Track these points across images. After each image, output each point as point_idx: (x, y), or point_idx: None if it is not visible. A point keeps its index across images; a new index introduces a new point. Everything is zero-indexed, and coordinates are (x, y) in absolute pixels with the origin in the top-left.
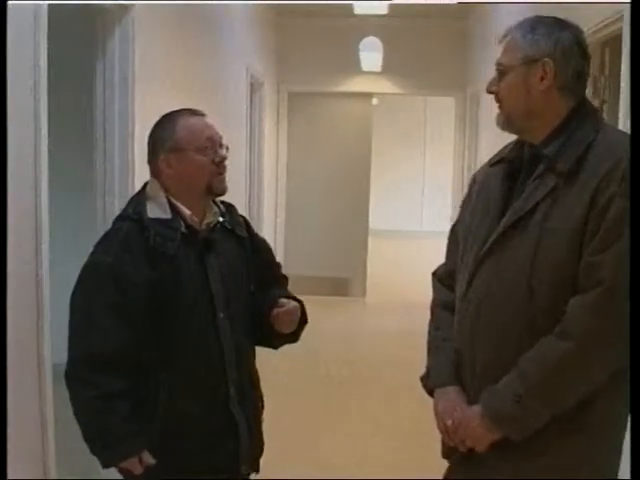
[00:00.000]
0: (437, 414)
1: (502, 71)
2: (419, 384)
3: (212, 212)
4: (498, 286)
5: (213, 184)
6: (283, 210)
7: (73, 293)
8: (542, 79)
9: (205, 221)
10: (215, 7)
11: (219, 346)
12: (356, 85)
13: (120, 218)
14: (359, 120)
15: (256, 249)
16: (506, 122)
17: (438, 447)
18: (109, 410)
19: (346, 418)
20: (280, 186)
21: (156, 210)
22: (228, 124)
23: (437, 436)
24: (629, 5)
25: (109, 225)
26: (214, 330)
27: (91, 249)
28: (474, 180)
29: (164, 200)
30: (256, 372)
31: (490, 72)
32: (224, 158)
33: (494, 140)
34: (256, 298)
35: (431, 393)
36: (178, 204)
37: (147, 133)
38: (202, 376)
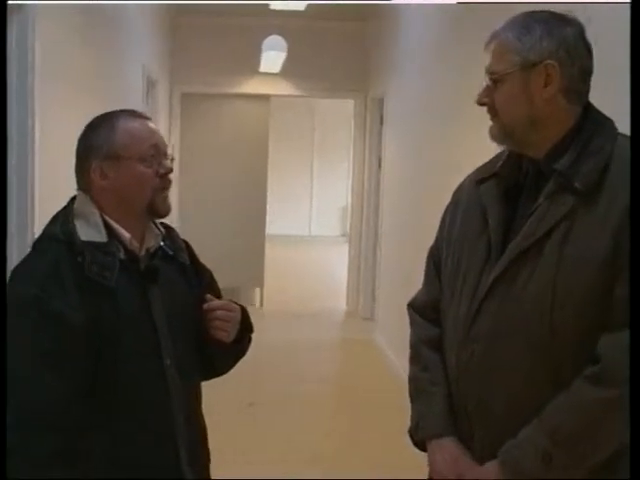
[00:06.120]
0: (435, 471)
1: (496, 79)
2: (334, 403)
3: (153, 235)
4: (512, 324)
5: (155, 202)
6: (176, 218)
7: None
8: (546, 85)
9: (145, 245)
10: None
11: (167, 399)
12: (253, 87)
13: (44, 239)
14: (256, 123)
15: (199, 278)
16: (503, 136)
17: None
18: (40, 477)
19: (259, 443)
20: (172, 190)
21: (89, 231)
22: None
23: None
24: (629, 5)
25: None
26: (161, 379)
27: None
28: (457, 198)
29: (98, 219)
30: (203, 421)
31: (391, 74)
32: (169, 170)
33: (398, 142)
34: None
35: (420, 445)
36: (115, 225)
37: (47, 140)
38: (146, 436)
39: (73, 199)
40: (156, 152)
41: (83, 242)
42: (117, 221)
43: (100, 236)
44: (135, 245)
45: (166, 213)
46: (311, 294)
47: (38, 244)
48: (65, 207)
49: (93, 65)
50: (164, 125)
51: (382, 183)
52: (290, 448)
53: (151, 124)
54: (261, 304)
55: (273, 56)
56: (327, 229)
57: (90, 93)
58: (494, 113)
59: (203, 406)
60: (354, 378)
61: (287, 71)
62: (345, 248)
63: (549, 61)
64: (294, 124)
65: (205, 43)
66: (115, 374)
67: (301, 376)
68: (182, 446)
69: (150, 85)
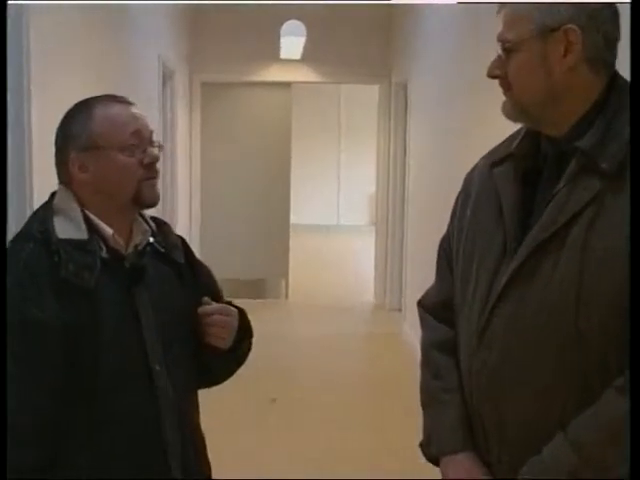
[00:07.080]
0: None
1: (509, 49)
2: (359, 400)
3: (141, 230)
4: (530, 329)
5: (142, 192)
6: (198, 208)
7: None
8: (566, 53)
9: (132, 242)
10: None
11: (155, 409)
12: (274, 74)
13: (20, 238)
14: (278, 110)
15: (196, 278)
16: (518, 112)
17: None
18: None
19: (282, 440)
20: (194, 181)
21: (68, 228)
22: None
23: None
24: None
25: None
26: (148, 388)
27: None
28: (468, 183)
29: (78, 215)
30: (201, 433)
31: (414, 59)
32: (156, 159)
33: (424, 128)
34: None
35: (434, 460)
36: (97, 220)
37: (49, 133)
38: (133, 450)
39: (54, 194)
40: (139, 140)
41: (60, 240)
42: (100, 216)
43: (80, 233)
44: (119, 242)
45: (154, 203)
46: (338, 286)
47: (14, 244)
48: (45, 203)
49: (105, 56)
50: (184, 115)
51: (408, 170)
52: (313, 446)
53: (134, 109)
54: (286, 296)
55: (292, 41)
56: (355, 218)
57: (101, 85)
58: (507, 87)
59: (222, 401)
60: (382, 373)
61: (308, 57)
62: (373, 237)
63: (569, 26)
64: (320, 110)
65: (224, 30)
66: (97, 382)
67: (326, 371)
68: (173, 458)
69: (167, 75)
